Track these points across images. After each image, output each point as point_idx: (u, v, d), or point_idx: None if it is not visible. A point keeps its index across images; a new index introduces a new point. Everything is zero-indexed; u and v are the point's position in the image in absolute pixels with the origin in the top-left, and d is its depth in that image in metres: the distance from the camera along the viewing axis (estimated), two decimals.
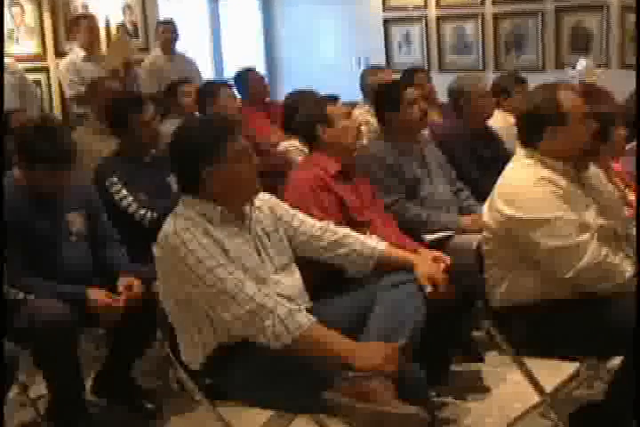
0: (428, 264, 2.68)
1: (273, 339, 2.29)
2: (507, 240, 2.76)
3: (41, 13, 6.79)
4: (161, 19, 7.48)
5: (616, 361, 2.72)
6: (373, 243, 2.76)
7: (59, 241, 3.16)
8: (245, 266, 2.44)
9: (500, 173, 2.88)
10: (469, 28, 8.15)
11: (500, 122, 4.78)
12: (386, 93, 3.95)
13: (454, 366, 3.47)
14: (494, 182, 2.86)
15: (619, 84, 5.67)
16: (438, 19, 8.27)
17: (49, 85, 6.86)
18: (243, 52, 9.04)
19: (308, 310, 2.44)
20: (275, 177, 3.76)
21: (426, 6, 8.31)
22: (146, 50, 7.54)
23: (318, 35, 8.96)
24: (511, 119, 4.57)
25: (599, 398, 2.83)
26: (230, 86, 5.33)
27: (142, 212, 3.61)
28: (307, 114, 3.48)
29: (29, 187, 3.11)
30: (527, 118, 2.81)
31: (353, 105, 4.94)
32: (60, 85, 6.73)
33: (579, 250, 2.60)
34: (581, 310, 2.65)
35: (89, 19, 6.66)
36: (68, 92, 6.49)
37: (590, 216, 2.70)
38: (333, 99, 3.46)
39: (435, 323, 2.63)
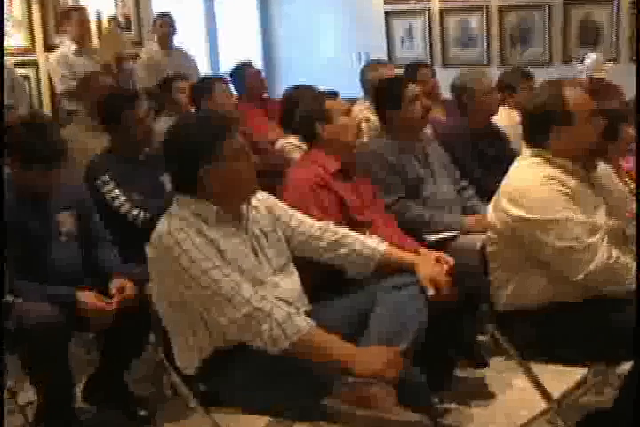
0: (430, 266, 2.69)
1: (270, 343, 2.29)
2: (513, 241, 2.76)
3: (29, 5, 6.77)
4: (154, 13, 7.48)
5: (626, 366, 2.72)
6: (374, 243, 2.76)
7: (48, 241, 3.17)
8: (242, 267, 2.45)
9: (504, 172, 2.88)
10: (474, 20, 8.14)
11: (505, 119, 4.78)
12: (387, 90, 3.95)
13: (458, 371, 3.47)
14: (499, 181, 2.87)
15: (629, 80, 5.66)
16: (442, 11, 8.27)
17: (38, 80, 6.84)
18: (239, 47, 9.03)
19: (307, 314, 2.45)
20: (273, 176, 3.77)
21: None
22: (139, 44, 7.54)
23: (318, 29, 8.96)
24: (516, 116, 4.58)
25: (608, 405, 2.83)
26: (226, 82, 5.33)
27: (135, 212, 3.61)
28: (305, 110, 3.48)
29: (18, 186, 3.11)
30: (532, 118, 2.81)
31: (353, 101, 4.94)
32: (50, 80, 6.72)
33: (589, 252, 2.60)
34: (590, 313, 2.66)
35: (80, 11, 6.66)
36: (59, 88, 6.49)
37: (600, 217, 2.71)
38: (333, 94, 3.46)
39: (437, 326, 2.63)
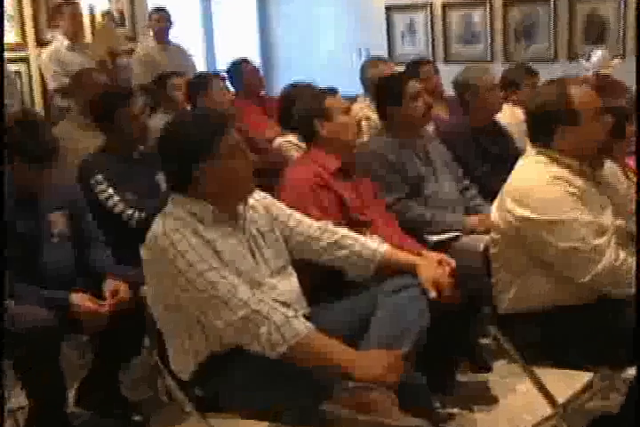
0: (432, 268, 2.69)
1: (268, 347, 2.29)
2: (517, 242, 2.76)
3: (20, 0, 6.78)
4: (149, 7, 7.48)
5: (632, 371, 2.73)
6: (374, 244, 2.77)
7: (40, 243, 3.17)
8: (239, 269, 2.45)
9: (508, 170, 2.89)
10: (477, 15, 8.13)
11: (509, 117, 4.79)
12: (387, 86, 3.95)
13: (460, 375, 3.48)
14: (503, 181, 2.87)
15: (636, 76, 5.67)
16: (444, 6, 8.27)
17: (29, 76, 6.84)
18: (236, 43, 9.03)
19: (306, 317, 2.45)
20: (271, 175, 3.77)
21: None
22: (133, 39, 7.54)
23: (317, 25, 8.96)
24: (520, 114, 4.59)
25: (614, 410, 2.84)
26: (223, 78, 5.33)
27: (129, 212, 3.61)
28: (304, 108, 3.48)
29: (9, 185, 3.11)
30: (536, 117, 2.81)
31: (353, 99, 4.94)
32: (42, 76, 6.72)
33: (595, 254, 2.61)
34: (596, 316, 2.66)
35: (72, 6, 6.64)
36: (52, 85, 6.49)
37: (607, 218, 2.71)
38: (332, 92, 3.47)
39: (439, 330, 2.63)
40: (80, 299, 3.02)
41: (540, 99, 2.80)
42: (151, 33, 7.13)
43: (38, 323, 2.85)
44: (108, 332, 3.10)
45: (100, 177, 3.63)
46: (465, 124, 4.45)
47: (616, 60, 6.32)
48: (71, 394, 3.31)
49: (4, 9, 6.34)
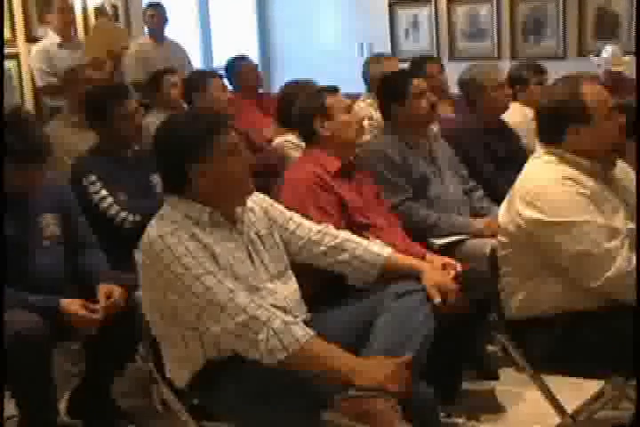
0: (437, 273, 2.69)
1: (267, 354, 2.29)
2: (526, 245, 2.76)
3: None
4: (144, 2, 7.48)
5: None
6: (377, 248, 2.77)
7: (30, 246, 3.16)
8: (237, 274, 2.45)
9: (517, 171, 2.88)
10: (483, 11, 8.13)
11: (517, 115, 4.79)
12: (391, 84, 3.96)
13: (466, 383, 3.47)
14: (510, 182, 2.87)
15: None
16: (449, 1, 8.26)
17: (19, 73, 6.85)
18: (234, 39, 9.03)
19: (306, 323, 2.45)
20: (269, 176, 3.77)
21: None
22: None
23: (318, 19, 8.97)
24: (529, 112, 4.59)
25: (626, 420, 2.83)
26: (220, 76, 5.34)
27: (124, 214, 3.61)
28: (304, 106, 3.48)
29: None
30: (547, 116, 2.80)
31: (355, 97, 4.95)
32: (32, 74, 6.72)
33: (607, 258, 2.59)
34: (608, 322, 2.65)
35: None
36: (39, 83, 6.48)
37: (620, 220, 2.70)
38: (333, 90, 3.47)
39: (444, 336, 2.63)
40: (72, 304, 3.01)
41: (553, 97, 2.79)
42: (145, 29, 7.14)
43: (27, 330, 2.84)
44: (101, 338, 3.10)
45: (92, 178, 3.64)
46: (471, 124, 4.46)
47: (627, 57, 6.31)
48: (62, 403, 3.30)
49: None
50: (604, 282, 2.60)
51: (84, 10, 7.02)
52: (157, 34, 7.09)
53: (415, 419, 2.29)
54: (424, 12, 8.44)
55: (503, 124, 4.56)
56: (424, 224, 3.68)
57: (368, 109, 5.09)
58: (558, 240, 2.64)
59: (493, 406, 3.49)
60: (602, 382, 2.99)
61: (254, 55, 8.64)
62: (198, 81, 5.01)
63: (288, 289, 2.62)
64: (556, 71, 4.38)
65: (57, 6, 6.51)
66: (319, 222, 2.83)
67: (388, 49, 8.24)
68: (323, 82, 4.14)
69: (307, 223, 2.78)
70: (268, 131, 5.11)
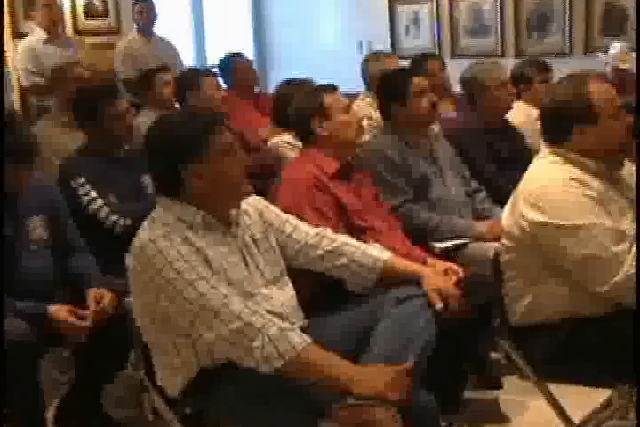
0: (438, 277, 2.70)
1: (262, 362, 2.29)
2: (531, 249, 2.76)
3: None
4: None
5: None
6: (376, 252, 2.77)
7: (17, 249, 3.16)
8: (231, 279, 2.45)
9: (520, 172, 2.89)
10: (487, 7, 8.12)
11: (521, 115, 4.79)
12: (391, 83, 3.96)
13: (469, 392, 3.47)
14: (514, 183, 2.87)
15: None
16: None
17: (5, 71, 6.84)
18: (228, 36, 9.03)
19: (303, 329, 2.45)
20: (265, 178, 3.77)
21: None
22: (117, 33, 7.55)
23: (316, 16, 8.97)
24: (533, 112, 4.60)
25: None
26: (214, 74, 5.34)
27: (114, 217, 3.61)
28: (301, 105, 3.49)
29: None
30: (551, 116, 2.81)
31: (354, 96, 4.95)
32: (19, 73, 6.72)
33: (615, 262, 2.59)
34: (614, 328, 2.65)
35: None
36: (24, 82, 6.47)
37: (627, 223, 2.70)
38: (331, 89, 3.47)
39: (446, 343, 2.63)
40: (60, 311, 3.01)
41: (559, 96, 2.80)
42: (134, 25, 7.14)
43: (14, 337, 2.84)
44: (90, 346, 3.10)
45: (81, 180, 3.63)
46: (472, 123, 4.46)
47: (634, 54, 6.31)
48: (50, 411, 3.30)
49: None
50: (612, 287, 2.60)
51: (73, 7, 7.03)
52: (146, 29, 7.08)
53: None
54: (425, 8, 8.43)
55: (507, 123, 4.57)
56: (425, 227, 3.69)
57: (367, 109, 5.09)
58: (563, 244, 2.65)
59: (497, 415, 3.49)
60: (609, 391, 2.98)
61: (249, 53, 8.63)
62: (192, 79, 5.02)
63: (284, 295, 2.62)
64: (560, 69, 4.39)
65: (42, 2, 6.50)
66: (316, 224, 2.84)
67: (387, 46, 8.25)
68: (321, 81, 4.14)
69: (303, 226, 2.78)
70: (263, 131, 5.12)
